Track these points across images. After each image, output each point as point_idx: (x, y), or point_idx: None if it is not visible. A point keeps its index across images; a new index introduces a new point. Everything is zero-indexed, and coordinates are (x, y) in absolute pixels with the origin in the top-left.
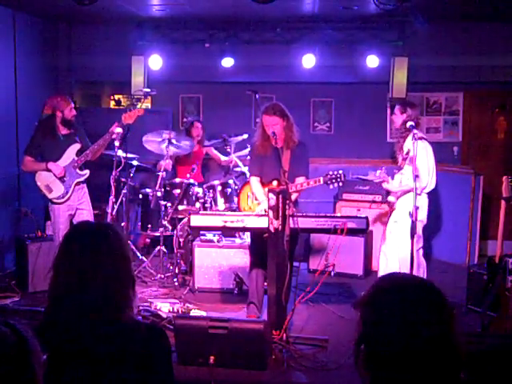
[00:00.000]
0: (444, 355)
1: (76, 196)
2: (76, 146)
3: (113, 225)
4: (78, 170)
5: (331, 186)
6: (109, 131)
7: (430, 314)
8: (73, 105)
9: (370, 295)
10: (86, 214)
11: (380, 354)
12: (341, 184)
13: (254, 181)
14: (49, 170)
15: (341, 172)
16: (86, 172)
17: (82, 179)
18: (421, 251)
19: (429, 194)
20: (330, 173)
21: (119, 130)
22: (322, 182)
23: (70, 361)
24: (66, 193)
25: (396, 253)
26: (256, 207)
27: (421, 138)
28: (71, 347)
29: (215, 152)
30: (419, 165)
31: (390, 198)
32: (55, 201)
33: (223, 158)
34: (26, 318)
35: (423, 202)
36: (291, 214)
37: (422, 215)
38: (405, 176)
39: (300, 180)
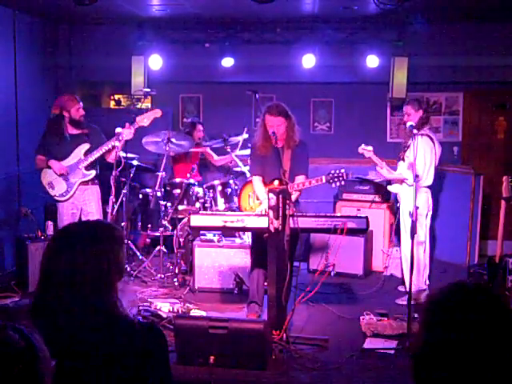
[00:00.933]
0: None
1: (81, 196)
2: (84, 146)
3: (107, 224)
4: (83, 170)
5: (333, 185)
6: (116, 133)
7: (496, 319)
8: (81, 105)
9: (435, 300)
10: (94, 216)
11: (442, 360)
12: (343, 182)
13: (257, 180)
14: (50, 167)
15: (343, 171)
16: (91, 173)
17: (87, 179)
18: (421, 248)
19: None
20: (332, 171)
21: (119, 129)
22: (324, 181)
23: (66, 362)
24: (67, 191)
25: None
26: (257, 207)
27: (422, 135)
28: (67, 347)
29: (210, 151)
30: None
31: (390, 188)
32: (57, 198)
33: (216, 157)
34: (26, 318)
35: (422, 196)
36: (291, 214)
37: (422, 209)
38: (401, 166)
39: (300, 178)
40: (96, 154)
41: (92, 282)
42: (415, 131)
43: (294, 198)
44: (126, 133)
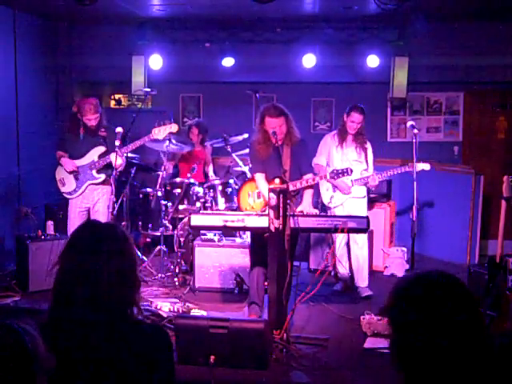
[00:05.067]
0: (476, 348)
1: (90, 196)
2: (100, 149)
3: (120, 225)
4: (94, 173)
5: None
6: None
7: (459, 308)
8: (92, 117)
9: (396, 296)
10: (100, 216)
11: (413, 354)
12: (348, 178)
13: (260, 177)
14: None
15: (347, 166)
16: (101, 176)
17: (96, 182)
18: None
19: (429, 193)
20: (337, 167)
21: (119, 129)
22: (328, 178)
23: (73, 360)
24: (75, 190)
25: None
26: (260, 205)
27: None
28: (74, 346)
29: (209, 157)
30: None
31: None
32: (65, 195)
33: (211, 172)
34: (26, 318)
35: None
36: (291, 214)
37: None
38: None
39: (308, 177)
40: (108, 160)
41: (108, 281)
42: (415, 130)
43: (309, 196)
44: (118, 130)
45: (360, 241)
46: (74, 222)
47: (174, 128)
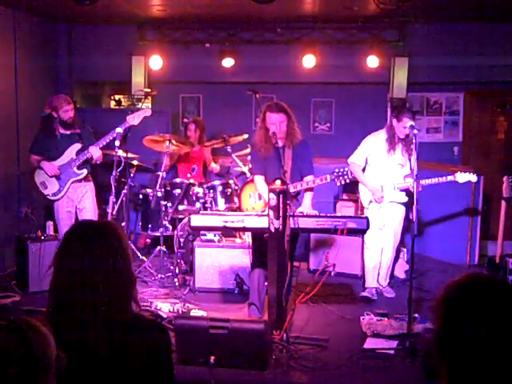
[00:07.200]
0: None
1: (75, 194)
2: (76, 146)
3: (113, 223)
4: (75, 170)
5: (338, 183)
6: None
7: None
8: (68, 107)
9: (450, 293)
10: (87, 212)
11: (460, 351)
12: (348, 181)
13: (259, 180)
14: (42, 168)
15: (347, 169)
16: (83, 172)
17: (78, 178)
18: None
19: (429, 193)
20: (337, 170)
21: (119, 129)
22: (328, 180)
23: (73, 358)
24: (59, 191)
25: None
26: (260, 207)
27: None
28: (74, 345)
29: (209, 155)
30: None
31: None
32: (49, 198)
33: (213, 164)
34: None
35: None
36: (291, 214)
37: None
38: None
39: (309, 179)
40: (87, 154)
41: (104, 280)
42: (415, 131)
43: (309, 197)
44: (117, 130)
45: (389, 240)
46: (65, 223)
47: (148, 112)
